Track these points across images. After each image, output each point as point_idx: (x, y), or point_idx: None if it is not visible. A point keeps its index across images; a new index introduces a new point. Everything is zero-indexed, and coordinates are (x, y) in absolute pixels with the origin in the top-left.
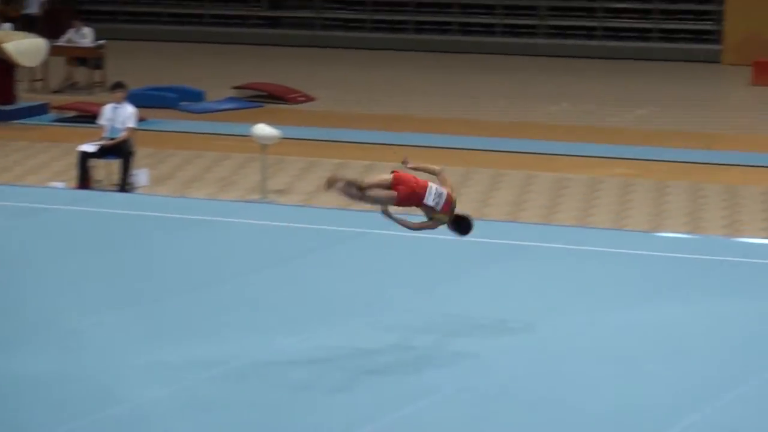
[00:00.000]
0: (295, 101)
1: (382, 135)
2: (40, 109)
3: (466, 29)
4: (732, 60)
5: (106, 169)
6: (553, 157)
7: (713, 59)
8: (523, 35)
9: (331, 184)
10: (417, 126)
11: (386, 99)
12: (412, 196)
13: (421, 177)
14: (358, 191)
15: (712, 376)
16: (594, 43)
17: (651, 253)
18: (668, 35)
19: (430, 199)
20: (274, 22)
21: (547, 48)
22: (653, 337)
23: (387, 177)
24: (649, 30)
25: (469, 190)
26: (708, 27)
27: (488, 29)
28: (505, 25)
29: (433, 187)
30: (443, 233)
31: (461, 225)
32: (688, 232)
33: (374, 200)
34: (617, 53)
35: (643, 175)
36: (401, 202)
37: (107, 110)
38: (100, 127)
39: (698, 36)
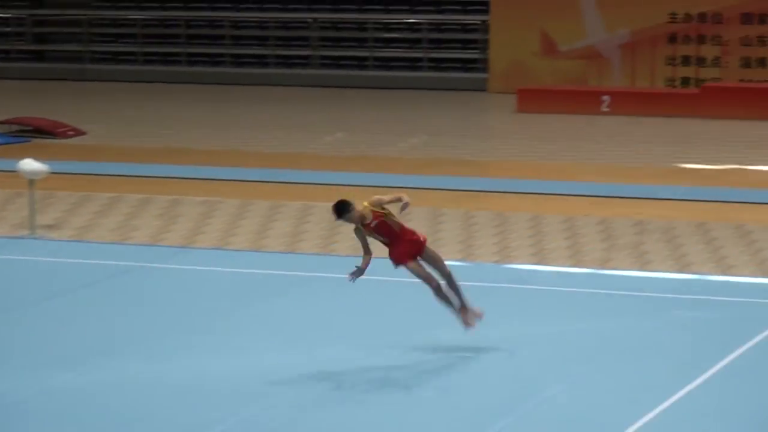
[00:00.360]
0: (65, 135)
1: (156, 168)
2: None
3: (239, 61)
4: (498, 88)
5: None
6: (328, 186)
7: (480, 87)
8: (296, 66)
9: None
10: (193, 158)
11: (160, 131)
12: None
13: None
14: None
15: (482, 404)
16: (366, 72)
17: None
18: (437, 64)
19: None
20: (39, 56)
21: (320, 78)
22: (427, 365)
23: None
24: (419, 59)
25: (246, 222)
26: (474, 56)
27: (261, 60)
28: (278, 56)
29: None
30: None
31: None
32: (461, 259)
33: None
34: (389, 83)
35: (417, 203)
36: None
37: None
38: None
39: (465, 65)
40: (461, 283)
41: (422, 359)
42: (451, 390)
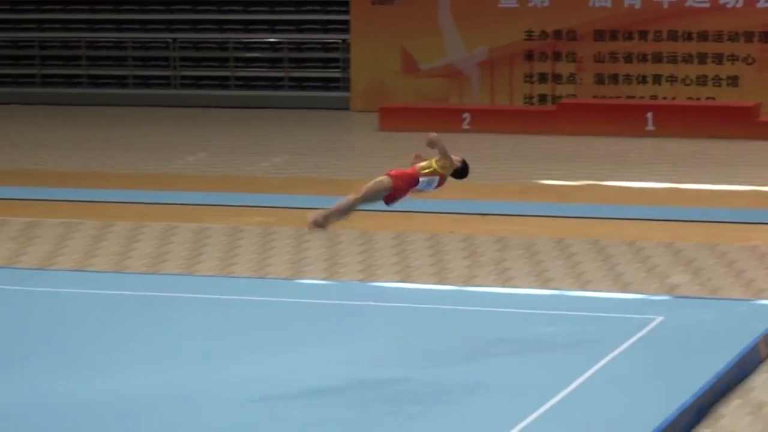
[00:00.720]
0: None
1: (8, 191)
2: None
3: (96, 82)
4: (360, 107)
5: None
6: (193, 207)
7: (343, 106)
8: (156, 86)
9: (318, 225)
10: (50, 180)
11: (13, 153)
12: (407, 181)
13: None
14: (352, 207)
15: (350, 418)
16: (228, 92)
17: (292, 300)
18: (299, 83)
19: (422, 186)
20: None
21: (181, 99)
22: (295, 382)
23: (382, 178)
24: (281, 78)
25: (107, 243)
26: (336, 75)
27: (120, 81)
28: (137, 77)
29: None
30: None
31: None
32: (326, 278)
33: (370, 198)
34: (251, 102)
35: (282, 223)
36: (397, 188)
37: None
38: None
39: (327, 84)
40: (327, 301)
41: (285, 379)
42: (320, 406)
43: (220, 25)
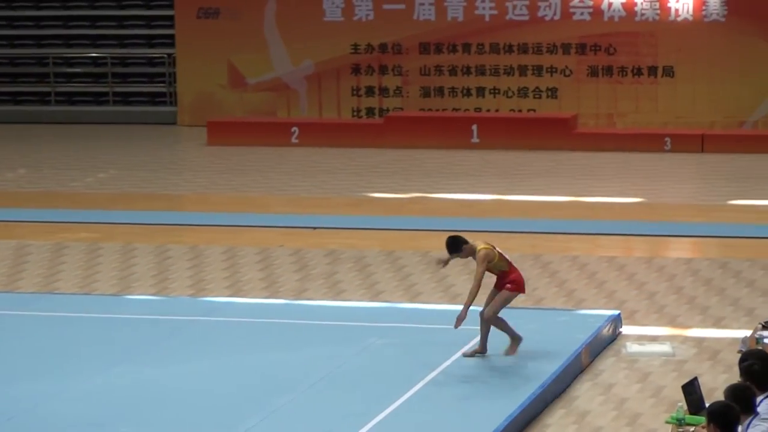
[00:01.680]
0: None
1: None
2: None
3: None
4: (187, 121)
5: None
6: (12, 224)
7: (170, 121)
8: None
9: None
10: None
11: None
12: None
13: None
14: None
15: None
16: (49, 108)
17: (120, 316)
18: (124, 98)
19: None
20: None
21: None
22: (127, 400)
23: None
24: (105, 94)
25: None
26: (162, 89)
27: None
28: None
29: None
30: None
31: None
32: (155, 294)
33: None
34: (74, 117)
35: (108, 239)
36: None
37: None
38: None
39: (153, 98)
40: (157, 317)
41: (113, 396)
42: (150, 423)
43: (38, 41)
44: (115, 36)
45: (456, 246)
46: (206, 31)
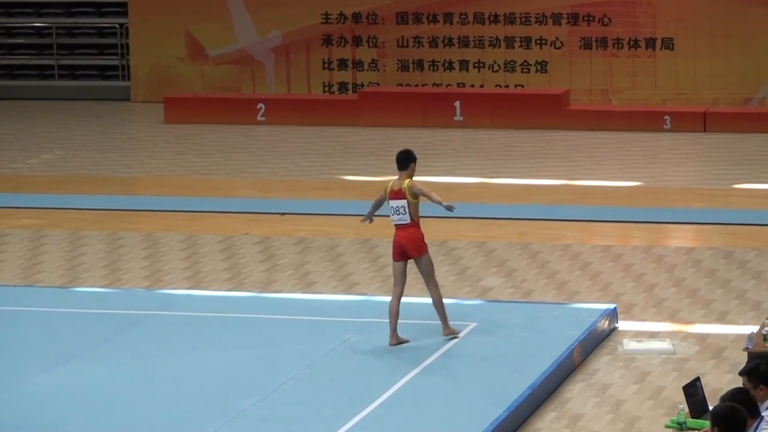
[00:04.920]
0: None
1: None
2: None
3: None
4: (142, 97)
5: None
6: None
7: (123, 96)
8: None
9: None
10: None
11: None
12: None
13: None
14: None
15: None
16: None
17: (66, 309)
18: (71, 72)
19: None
20: None
21: None
22: (74, 402)
23: None
24: (50, 67)
25: None
26: (113, 62)
27: None
28: None
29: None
30: None
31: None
32: (106, 286)
33: None
34: (16, 93)
35: (53, 226)
36: None
37: None
38: None
39: (104, 72)
40: (108, 311)
41: (60, 397)
42: (100, 428)
43: None
44: (62, 3)
45: (409, 159)
46: None
